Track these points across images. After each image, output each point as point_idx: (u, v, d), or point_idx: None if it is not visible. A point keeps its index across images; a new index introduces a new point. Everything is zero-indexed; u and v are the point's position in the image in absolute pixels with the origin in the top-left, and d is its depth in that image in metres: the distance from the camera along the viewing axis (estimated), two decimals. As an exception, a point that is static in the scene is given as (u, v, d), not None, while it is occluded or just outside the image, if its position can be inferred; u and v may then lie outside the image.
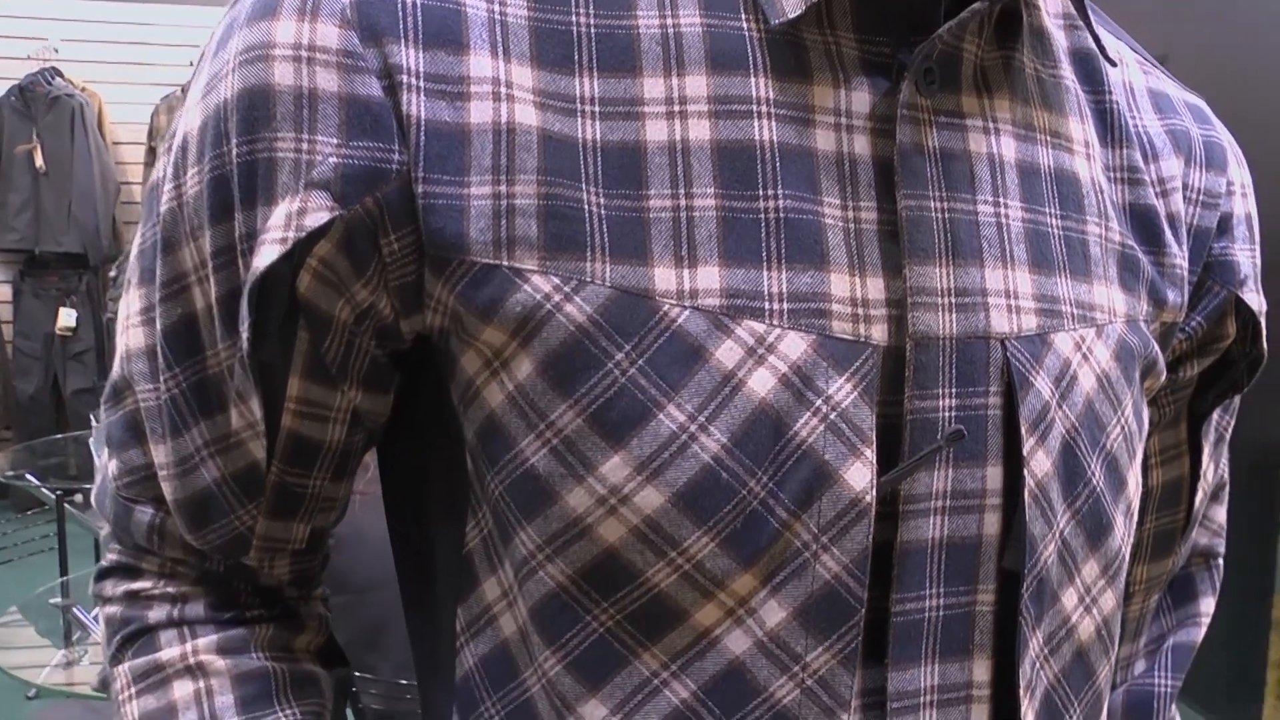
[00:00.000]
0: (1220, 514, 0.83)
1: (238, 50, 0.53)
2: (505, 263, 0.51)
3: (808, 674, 0.53)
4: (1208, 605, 0.83)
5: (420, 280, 0.53)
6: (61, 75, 5.54)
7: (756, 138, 0.53)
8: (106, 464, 0.64)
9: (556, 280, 0.51)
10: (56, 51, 5.58)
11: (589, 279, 0.51)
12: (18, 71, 5.56)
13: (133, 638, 0.64)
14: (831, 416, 0.52)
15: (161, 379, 0.59)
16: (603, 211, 0.52)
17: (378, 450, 0.65)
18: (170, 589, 0.64)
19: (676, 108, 0.53)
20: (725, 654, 0.53)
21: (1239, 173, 0.71)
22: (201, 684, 0.62)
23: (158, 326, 0.58)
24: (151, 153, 5.66)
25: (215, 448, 0.59)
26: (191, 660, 0.62)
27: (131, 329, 0.60)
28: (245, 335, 0.53)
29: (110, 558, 0.67)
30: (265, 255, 0.52)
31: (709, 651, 0.53)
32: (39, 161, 5.52)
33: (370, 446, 0.64)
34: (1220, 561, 0.84)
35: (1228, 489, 0.83)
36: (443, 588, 0.61)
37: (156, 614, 0.64)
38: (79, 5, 5.59)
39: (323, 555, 0.68)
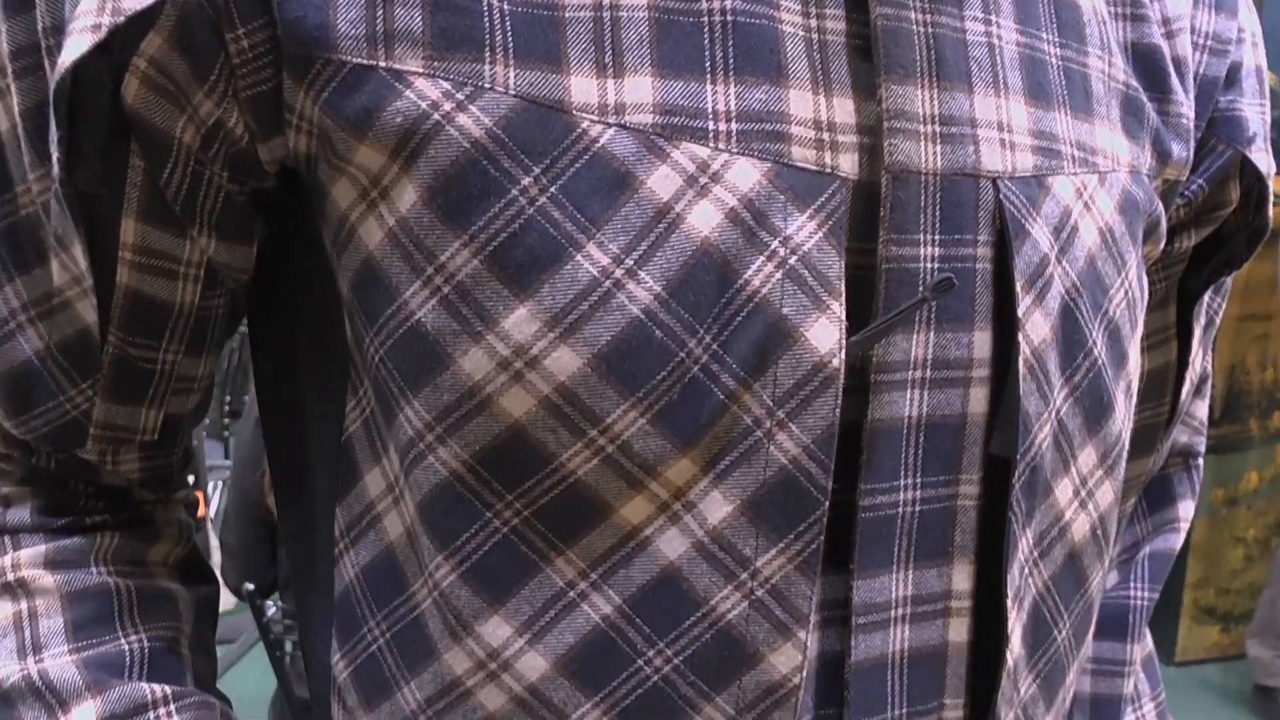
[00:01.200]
0: (1202, 410, 0.75)
1: None
2: (382, 63, 0.40)
3: (757, 582, 0.43)
4: (1186, 510, 0.75)
5: (278, 90, 0.42)
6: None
7: None
8: None
9: (446, 85, 0.40)
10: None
11: (487, 84, 0.41)
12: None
13: None
14: (791, 261, 0.42)
15: None
16: (505, 5, 0.41)
17: (247, 318, 0.55)
18: None
19: None
20: (657, 559, 0.43)
21: (1250, 20, 0.61)
22: (24, 605, 0.51)
23: None
24: None
25: (35, 311, 0.48)
26: (11, 576, 0.52)
27: None
28: (56, 155, 0.42)
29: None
30: (74, 47, 0.40)
31: (637, 556, 0.43)
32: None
33: (238, 315, 0.53)
34: (1200, 462, 0.76)
35: (1209, 383, 0.75)
36: (319, 483, 0.51)
37: None
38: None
39: (183, 450, 0.57)
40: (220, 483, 3.62)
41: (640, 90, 0.42)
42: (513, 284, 0.41)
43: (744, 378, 0.42)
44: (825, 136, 0.43)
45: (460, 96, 0.40)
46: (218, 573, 2.63)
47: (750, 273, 0.42)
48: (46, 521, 0.53)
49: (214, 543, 2.96)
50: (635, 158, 0.41)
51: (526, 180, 0.41)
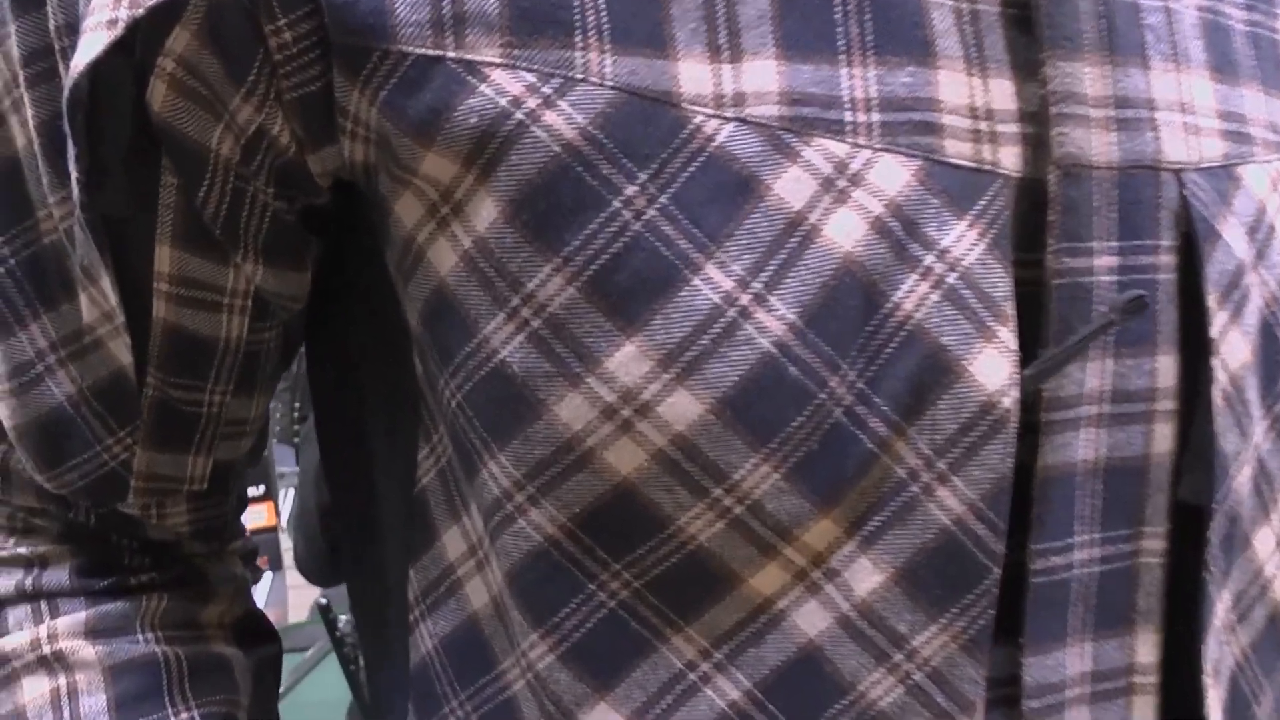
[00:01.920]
0: None
1: None
2: (450, 53, 0.34)
3: (914, 664, 0.36)
4: None
5: (328, 89, 0.35)
6: None
7: None
8: None
9: (530, 77, 0.34)
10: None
11: (580, 75, 0.34)
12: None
13: None
14: (949, 280, 0.35)
15: None
16: None
17: (306, 356, 0.48)
18: (22, 549, 0.47)
19: None
20: (793, 636, 0.36)
21: None
22: (62, 681, 0.45)
23: None
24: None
25: (65, 351, 0.42)
26: (48, 648, 0.46)
27: None
28: (75, 175, 0.36)
29: (-53, 508, 0.50)
30: (88, 47, 0.34)
31: (769, 633, 0.36)
32: None
33: (292, 347, 0.47)
34: None
35: None
36: (389, 539, 0.44)
37: (2, 584, 0.47)
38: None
39: (236, 498, 0.51)
40: (291, 489, 3.59)
41: (762, 76, 0.35)
42: (617, 315, 0.34)
43: (896, 422, 0.35)
44: (982, 126, 0.36)
45: (547, 90, 0.33)
46: (288, 589, 2.60)
47: (900, 294, 0.35)
48: (87, 583, 0.47)
49: (285, 547, 2.93)
50: (760, 158, 0.34)
51: (631, 189, 0.34)
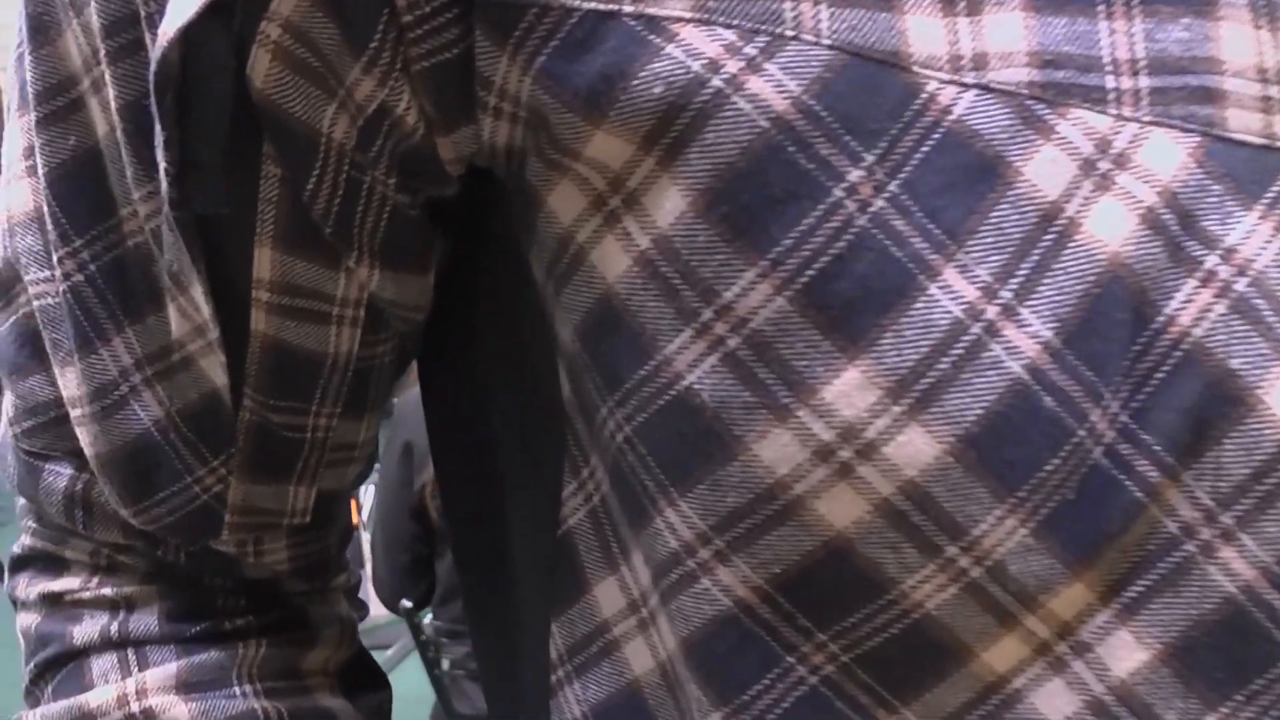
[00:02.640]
0: None
1: None
2: (628, 6, 0.27)
3: None
4: None
5: (468, 57, 0.29)
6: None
7: None
8: (4, 398, 0.42)
9: (729, 35, 0.27)
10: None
11: (790, 30, 0.27)
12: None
13: (53, 665, 0.42)
14: (1237, 287, 0.28)
15: (57, 257, 0.36)
16: None
17: (418, 367, 0.42)
18: (107, 590, 0.42)
19: None
20: None
21: None
22: None
23: (41, 173, 0.35)
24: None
25: (151, 369, 0.37)
26: (136, 705, 0.40)
27: (14, 181, 0.38)
28: (162, 165, 0.30)
29: (25, 540, 0.44)
30: (178, 9, 0.28)
31: (1002, 717, 0.29)
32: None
33: (407, 358, 0.41)
34: None
35: None
36: (524, 583, 0.38)
37: (86, 629, 0.42)
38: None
39: (342, 529, 0.45)
40: (372, 486, 3.57)
41: (1008, 32, 0.28)
42: (837, 332, 0.27)
43: (1170, 465, 0.28)
44: (1274, 93, 0.29)
45: (751, 51, 0.27)
46: (369, 584, 2.56)
47: (1175, 305, 0.28)
48: (178, 629, 0.42)
49: (366, 549, 2.90)
50: (1006, 135, 0.27)
51: (855, 174, 0.27)
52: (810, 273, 0.27)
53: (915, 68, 0.27)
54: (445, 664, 1.96)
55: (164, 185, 0.30)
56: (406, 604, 1.93)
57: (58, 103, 0.34)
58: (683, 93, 0.27)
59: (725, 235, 0.27)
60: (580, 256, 0.30)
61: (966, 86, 0.27)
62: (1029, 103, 0.27)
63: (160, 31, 0.28)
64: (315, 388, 0.37)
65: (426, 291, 0.36)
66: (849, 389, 0.27)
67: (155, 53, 0.29)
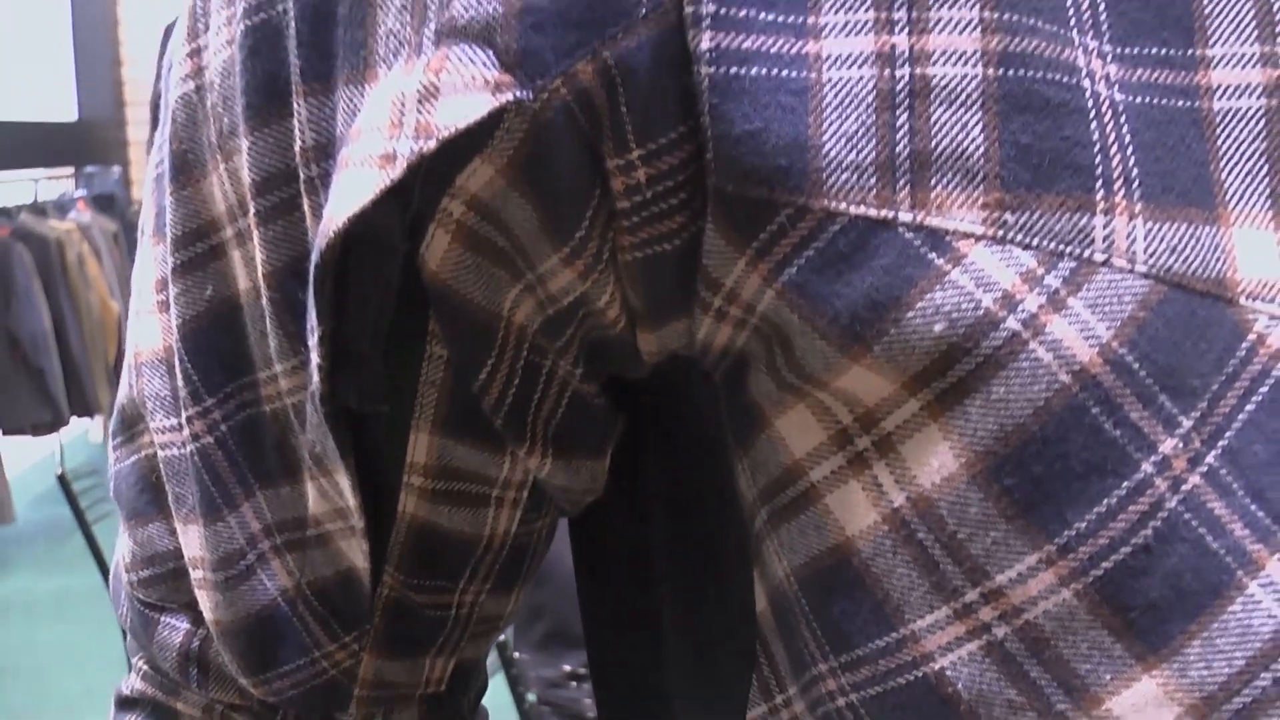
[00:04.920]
0: None
1: None
2: (906, 215, 0.22)
3: None
4: None
5: (693, 250, 0.24)
6: None
7: None
8: (120, 538, 0.38)
9: (1030, 261, 0.22)
10: None
11: (1102, 254, 0.22)
12: (185, -10, 5.40)
13: None
14: None
15: (185, 414, 0.32)
16: (1118, 96, 0.22)
17: (570, 534, 0.38)
18: None
19: None
20: None
21: None
22: None
23: (174, 322, 0.31)
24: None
25: (282, 538, 0.32)
26: None
27: (144, 316, 0.34)
28: (315, 360, 0.26)
29: (133, 682, 0.41)
30: (350, 191, 0.24)
31: None
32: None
33: (555, 526, 0.36)
34: None
35: None
36: None
37: None
38: None
39: (479, 689, 0.41)
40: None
41: None
42: (1133, 637, 0.22)
43: None
44: None
45: (1053, 282, 0.21)
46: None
47: None
48: None
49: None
50: None
51: (1169, 444, 0.21)
52: (1106, 565, 0.22)
53: (1243, 299, 0.22)
54: (531, 698, 1.92)
55: (314, 378, 0.26)
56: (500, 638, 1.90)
57: (197, 249, 0.30)
58: (969, 333, 0.21)
59: (1006, 510, 0.22)
60: (812, 496, 0.25)
61: None
62: None
63: (325, 216, 0.24)
64: (465, 566, 0.33)
65: (600, 474, 0.31)
66: (1142, 702, 0.22)
67: (319, 241, 0.24)
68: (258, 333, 0.30)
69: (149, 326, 0.33)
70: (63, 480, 2.20)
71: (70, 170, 4.92)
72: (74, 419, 4.10)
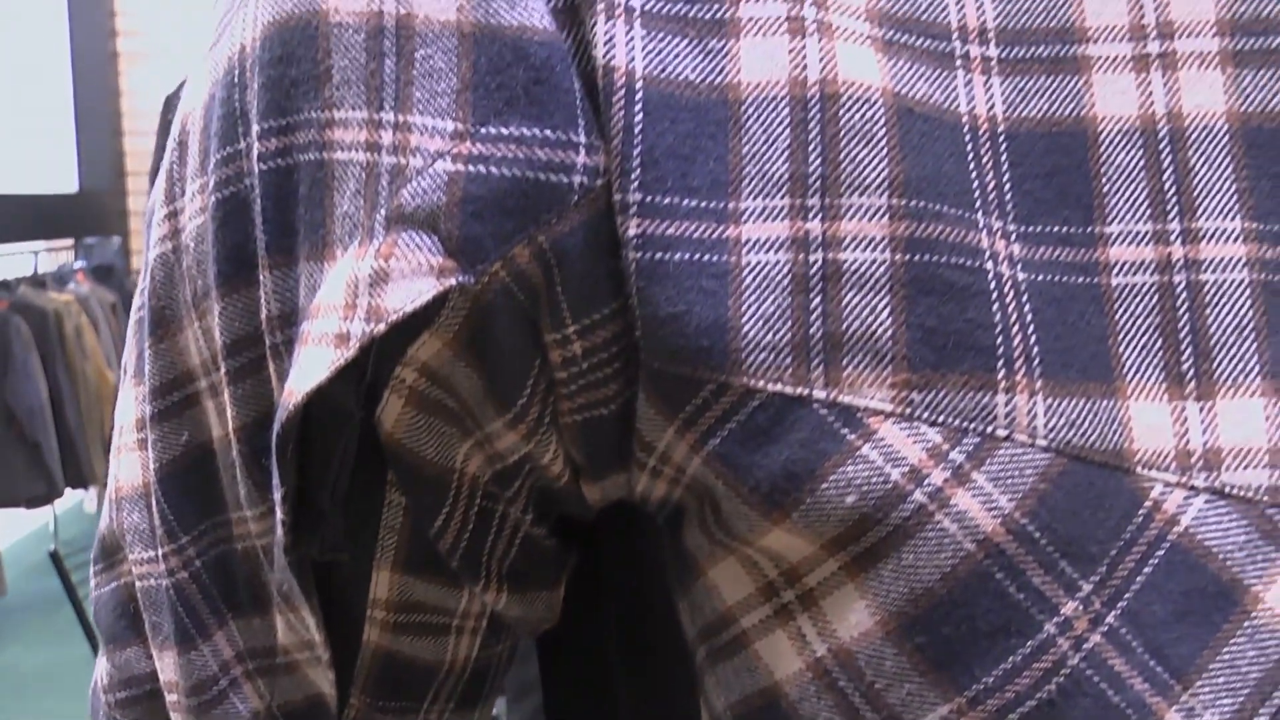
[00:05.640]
0: None
1: None
2: (820, 392, 0.24)
3: None
4: None
5: (627, 414, 0.26)
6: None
7: None
8: (99, 660, 0.39)
9: (935, 436, 0.23)
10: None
11: (1004, 429, 0.23)
12: (188, 66, 5.49)
13: None
14: None
15: (162, 551, 0.33)
16: (1020, 275, 0.24)
17: (536, 642, 0.39)
18: None
19: (1154, 45, 0.25)
20: None
21: None
22: None
23: (151, 464, 0.33)
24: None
25: (254, 664, 0.34)
26: None
27: (124, 452, 0.35)
28: (281, 518, 0.27)
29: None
30: (307, 369, 0.25)
31: None
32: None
33: (516, 647, 0.38)
34: None
35: None
36: None
37: None
38: None
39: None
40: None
41: (1245, 422, 0.24)
42: None
43: None
44: None
45: (958, 457, 0.23)
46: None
47: None
48: None
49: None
50: (1244, 553, 0.23)
51: (1070, 606, 0.23)
52: (1014, 717, 0.23)
53: (1139, 468, 0.23)
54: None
55: (278, 531, 0.28)
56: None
57: (173, 398, 0.31)
58: (879, 505, 0.23)
59: (919, 665, 0.24)
60: (743, 641, 0.26)
61: (1196, 490, 0.23)
62: (1271, 512, 0.23)
63: (286, 390, 0.26)
64: (428, 689, 0.34)
65: (555, 604, 0.33)
66: None
67: (279, 413, 0.26)
68: (229, 477, 0.31)
69: (129, 462, 0.35)
70: (55, 557, 2.21)
71: (70, 242, 4.96)
72: (69, 490, 4.10)
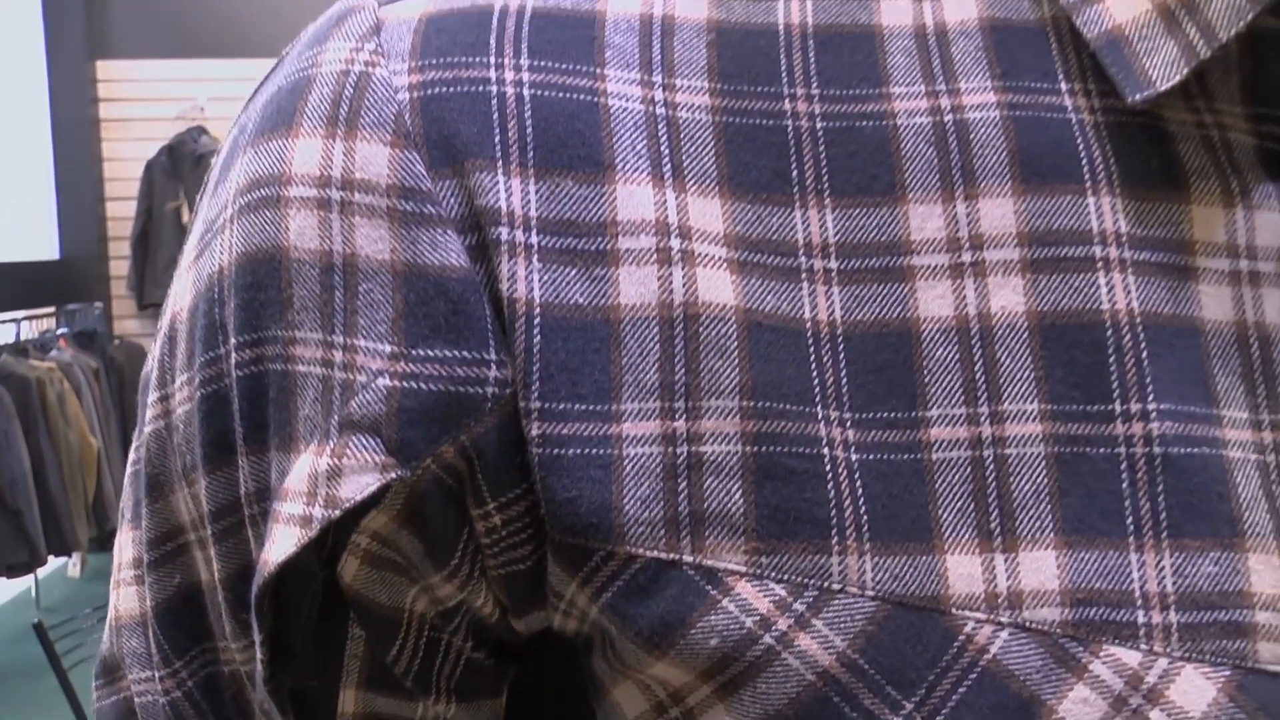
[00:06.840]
0: None
1: (239, 186, 0.32)
2: (688, 557, 0.29)
3: None
4: None
5: (540, 570, 0.32)
6: (208, 133, 5.54)
7: (1105, 306, 0.31)
8: None
9: (780, 591, 0.29)
10: (203, 110, 5.59)
11: (837, 584, 0.29)
12: (168, 132, 5.57)
13: None
14: None
15: (158, 674, 0.39)
16: (854, 456, 0.30)
17: None
18: None
19: (966, 256, 0.31)
20: None
21: None
22: None
23: (148, 600, 0.38)
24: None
25: None
26: None
27: (123, 586, 0.41)
28: (260, 657, 0.33)
29: None
30: (280, 544, 0.31)
31: None
32: (185, 217, 5.53)
33: None
34: None
35: None
36: None
37: None
38: (227, 64, 5.61)
39: None
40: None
41: (1042, 570, 0.30)
42: None
43: None
44: None
45: (799, 607, 0.29)
46: None
47: None
48: None
49: None
50: (1041, 675, 0.29)
51: None
52: None
53: (954, 609, 0.29)
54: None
55: (258, 665, 0.33)
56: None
57: (167, 548, 0.37)
58: (736, 646, 0.29)
59: None
60: None
61: (1002, 625, 0.29)
62: (1063, 641, 0.29)
63: (261, 560, 0.31)
64: None
65: (499, 710, 0.38)
66: None
67: (257, 578, 0.31)
68: (216, 613, 0.37)
69: (127, 595, 0.41)
70: (39, 629, 2.24)
71: (52, 309, 5.01)
72: (51, 558, 4.12)
